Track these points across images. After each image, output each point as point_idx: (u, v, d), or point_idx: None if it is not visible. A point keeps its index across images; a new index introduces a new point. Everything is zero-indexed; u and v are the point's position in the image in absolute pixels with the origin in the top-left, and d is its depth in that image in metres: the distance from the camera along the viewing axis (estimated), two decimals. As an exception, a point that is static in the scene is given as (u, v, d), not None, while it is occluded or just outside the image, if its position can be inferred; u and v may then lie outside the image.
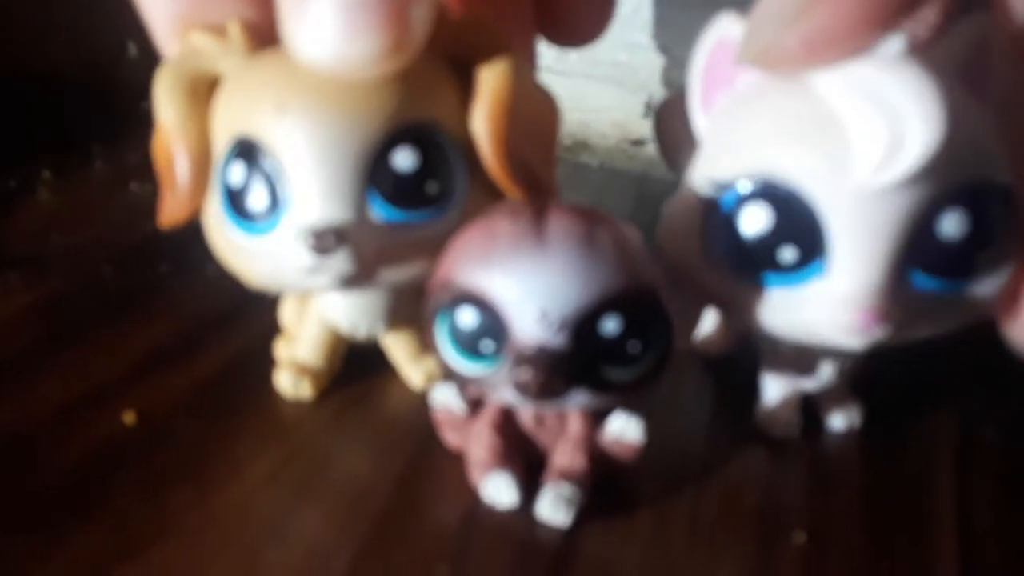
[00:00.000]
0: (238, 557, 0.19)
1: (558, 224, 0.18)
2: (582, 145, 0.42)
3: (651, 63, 0.40)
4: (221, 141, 0.21)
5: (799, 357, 0.23)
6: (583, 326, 0.18)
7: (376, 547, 0.20)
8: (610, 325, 0.18)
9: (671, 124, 0.23)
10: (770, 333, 0.20)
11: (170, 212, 0.21)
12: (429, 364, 0.24)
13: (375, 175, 0.20)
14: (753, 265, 0.19)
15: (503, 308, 0.18)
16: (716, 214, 0.20)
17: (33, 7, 0.37)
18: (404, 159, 0.20)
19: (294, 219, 0.20)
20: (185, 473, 0.21)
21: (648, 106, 0.40)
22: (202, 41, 0.21)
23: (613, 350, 0.19)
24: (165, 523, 0.20)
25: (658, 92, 0.40)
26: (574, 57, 0.40)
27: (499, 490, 0.20)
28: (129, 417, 0.23)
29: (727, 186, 0.19)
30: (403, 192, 0.20)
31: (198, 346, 0.26)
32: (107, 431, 0.22)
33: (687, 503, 0.21)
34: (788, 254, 0.19)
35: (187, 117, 0.21)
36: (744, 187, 0.19)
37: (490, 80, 0.20)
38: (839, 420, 0.24)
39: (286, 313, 0.25)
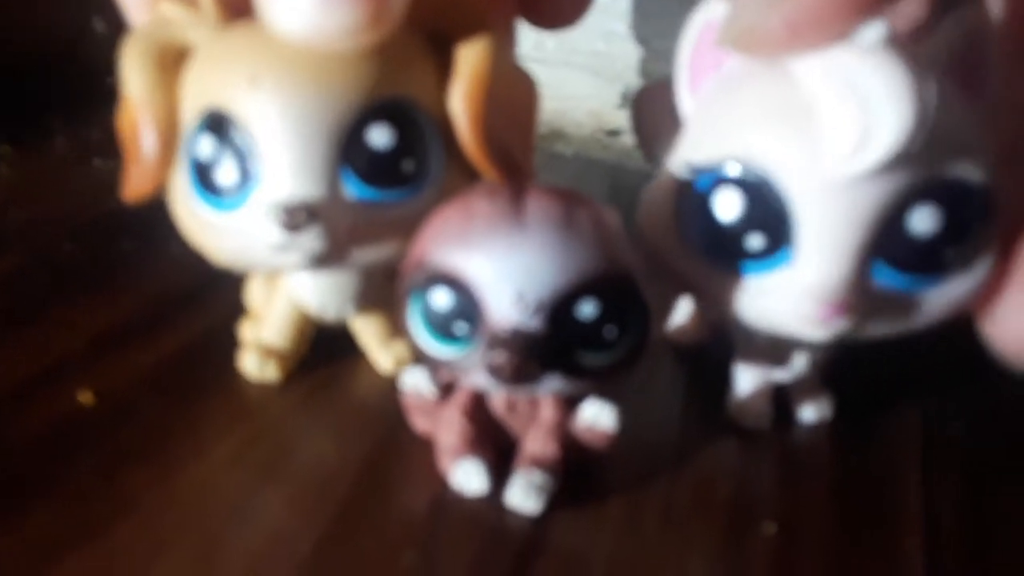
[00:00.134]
0: (199, 540, 0.19)
1: (536, 205, 0.18)
2: (557, 134, 0.42)
3: (628, 53, 0.39)
4: (190, 113, 0.20)
5: (773, 348, 0.23)
6: (559, 309, 0.18)
7: (342, 532, 0.19)
8: (587, 309, 0.18)
9: (649, 112, 0.23)
10: (742, 321, 0.20)
11: (134, 185, 0.21)
12: (399, 348, 0.24)
13: (349, 151, 0.19)
14: (724, 251, 0.19)
15: (478, 289, 0.18)
16: (691, 198, 0.19)
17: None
18: (379, 136, 0.19)
19: (264, 195, 0.19)
20: (146, 453, 0.21)
21: (624, 96, 0.40)
22: (172, 10, 0.20)
23: (589, 334, 0.18)
24: (125, 503, 0.19)
25: (635, 82, 0.40)
26: (552, 45, 0.40)
27: (469, 477, 0.20)
28: (86, 397, 0.22)
29: (703, 170, 0.19)
30: (377, 170, 0.20)
31: (162, 324, 0.25)
32: (67, 409, 0.22)
33: (659, 492, 0.21)
34: (756, 241, 0.19)
35: (154, 87, 0.20)
36: (719, 172, 0.19)
37: (469, 58, 0.20)
38: (810, 412, 0.24)
39: (253, 293, 0.25)
